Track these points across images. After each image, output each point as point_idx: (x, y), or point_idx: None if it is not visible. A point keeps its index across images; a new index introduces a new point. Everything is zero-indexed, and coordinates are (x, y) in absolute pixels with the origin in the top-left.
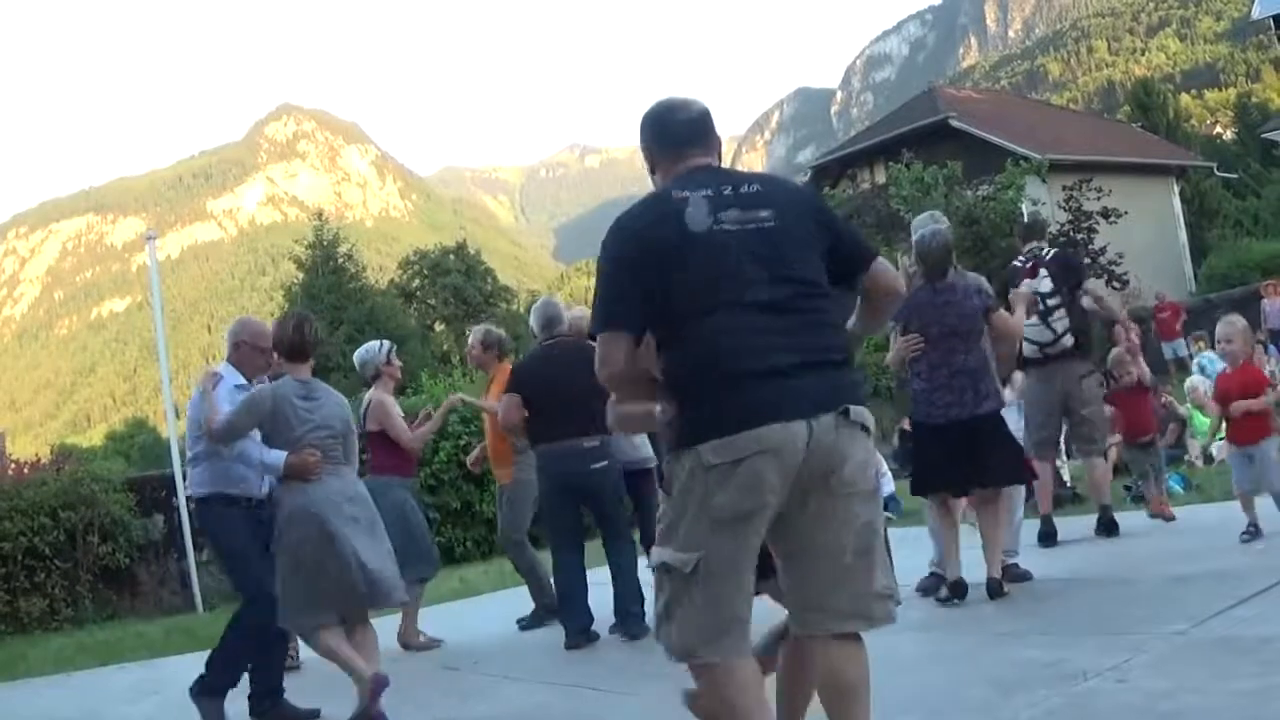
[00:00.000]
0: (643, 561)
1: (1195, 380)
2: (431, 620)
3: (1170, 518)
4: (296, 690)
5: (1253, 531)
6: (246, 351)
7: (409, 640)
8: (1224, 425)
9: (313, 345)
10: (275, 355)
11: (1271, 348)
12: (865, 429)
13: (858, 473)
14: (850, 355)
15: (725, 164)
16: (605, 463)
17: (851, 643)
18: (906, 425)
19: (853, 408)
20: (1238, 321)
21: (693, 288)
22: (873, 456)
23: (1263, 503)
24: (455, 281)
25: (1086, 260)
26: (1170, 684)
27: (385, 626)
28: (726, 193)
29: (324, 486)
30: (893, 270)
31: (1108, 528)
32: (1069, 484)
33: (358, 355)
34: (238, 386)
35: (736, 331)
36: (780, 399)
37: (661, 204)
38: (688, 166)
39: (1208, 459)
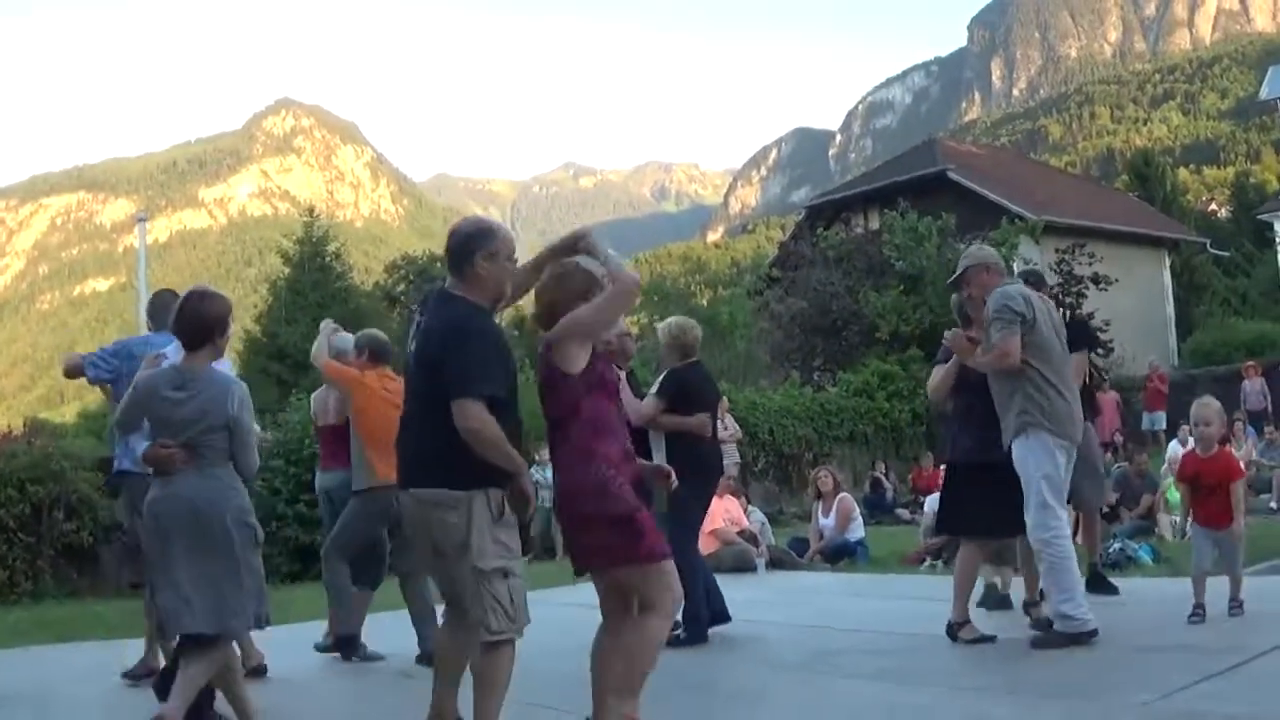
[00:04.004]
0: None
1: (1176, 450)
2: (387, 626)
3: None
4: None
5: (1200, 614)
6: None
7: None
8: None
9: (205, 330)
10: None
11: (1250, 429)
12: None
13: None
14: None
15: (719, 199)
16: None
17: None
18: (878, 472)
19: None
20: (1214, 404)
21: None
22: None
23: (1214, 584)
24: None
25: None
26: None
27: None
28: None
29: (181, 484)
30: None
31: (1098, 583)
32: None
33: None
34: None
35: None
36: None
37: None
38: None
39: (1182, 533)
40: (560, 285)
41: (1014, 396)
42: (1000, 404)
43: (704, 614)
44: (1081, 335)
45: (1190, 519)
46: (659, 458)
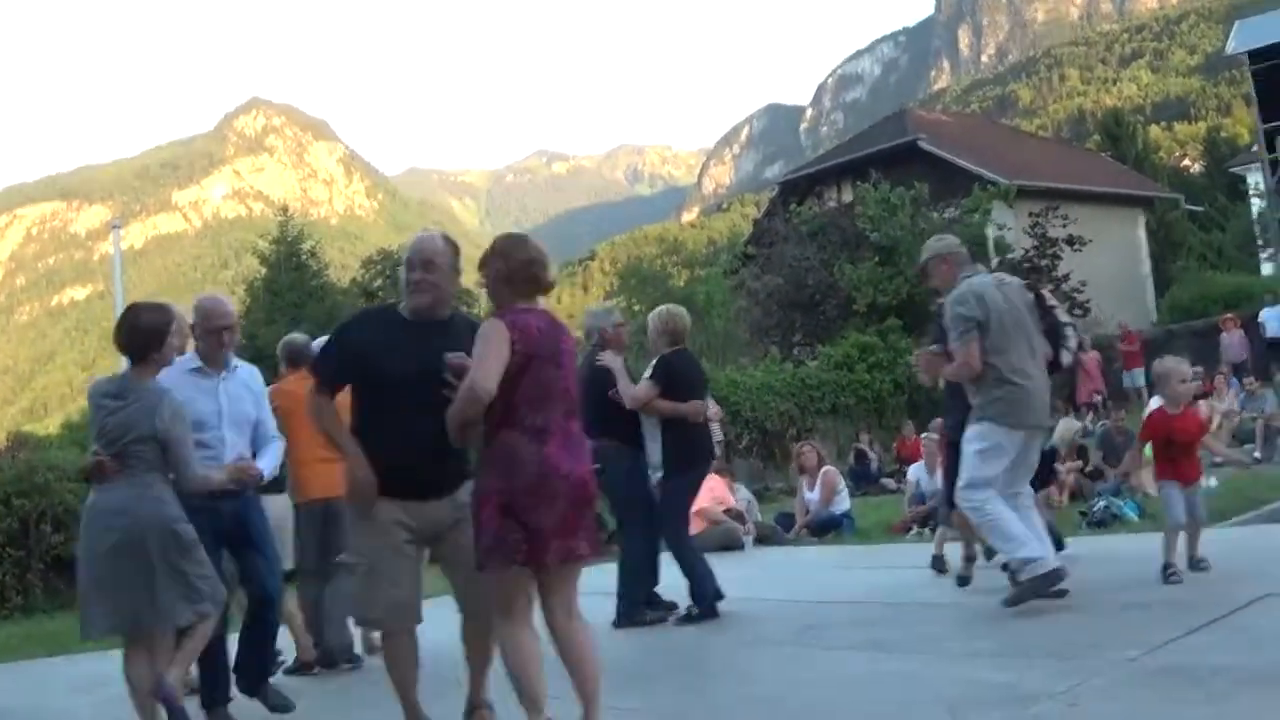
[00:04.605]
0: None
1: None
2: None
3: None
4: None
5: (1177, 572)
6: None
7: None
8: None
9: (142, 342)
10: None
11: (1234, 380)
12: None
13: None
14: None
15: (693, 179)
16: (599, 465)
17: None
18: (861, 443)
19: None
20: (1184, 362)
21: None
22: None
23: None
24: None
25: (1050, 287)
26: (1121, 710)
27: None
28: None
29: (112, 492)
30: None
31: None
32: None
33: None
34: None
35: None
36: None
37: None
38: None
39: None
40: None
41: (976, 392)
42: (969, 395)
43: (710, 589)
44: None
45: (1158, 476)
46: (653, 444)
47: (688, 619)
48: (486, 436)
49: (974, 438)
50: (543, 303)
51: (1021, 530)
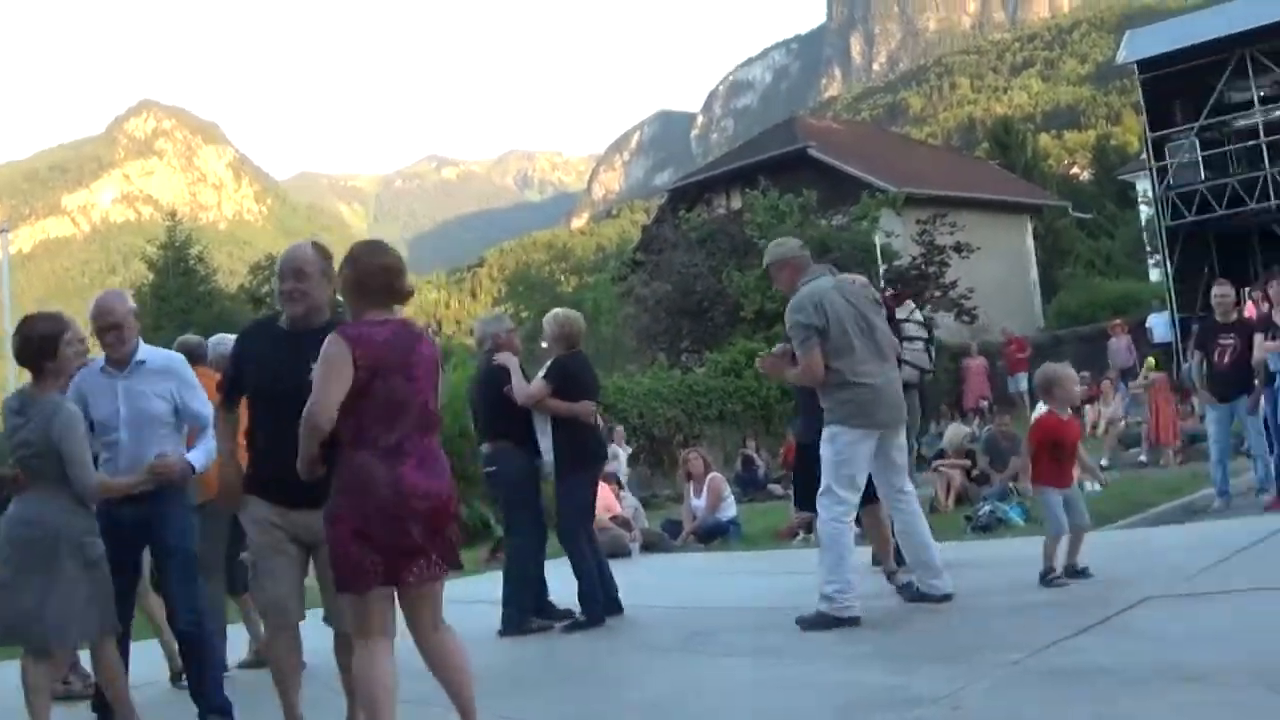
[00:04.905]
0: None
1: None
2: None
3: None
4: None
5: (1061, 576)
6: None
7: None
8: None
9: (32, 353)
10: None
11: (1121, 385)
12: None
13: None
14: None
15: (583, 185)
16: (492, 467)
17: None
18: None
19: None
20: (1069, 368)
21: None
22: None
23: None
24: None
25: (937, 293)
26: (1005, 711)
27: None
28: None
29: (24, 505)
30: None
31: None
32: None
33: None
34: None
35: None
36: None
37: None
38: None
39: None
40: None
41: (823, 396)
42: (820, 399)
43: (599, 594)
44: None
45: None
46: (545, 442)
47: (575, 626)
48: (338, 456)
49: (827, 441)
50: (400, 312)
51: (846, 568)
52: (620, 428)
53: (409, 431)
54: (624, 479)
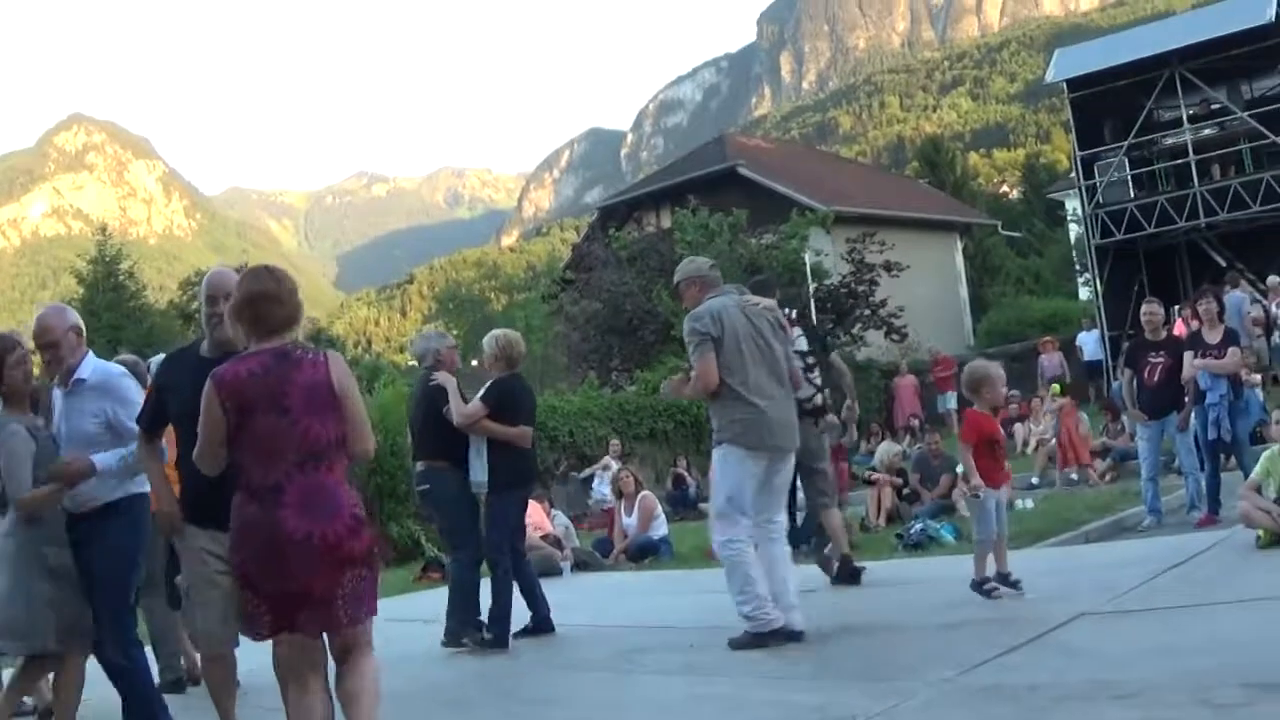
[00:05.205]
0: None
1: None
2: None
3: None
4: None
5: (998, 585)
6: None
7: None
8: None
9: None
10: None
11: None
12: None
13: None
14: None
15: (513, 203)
16: (426, 486)
17: None
18: (679, 468)
19: None
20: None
21: None
22: None
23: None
24: None
25: (867, 312)
26: None
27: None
28: None
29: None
30: None
31: (851, 576)
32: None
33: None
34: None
35: None
36: None
37: None
38: None
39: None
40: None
41: (714, 411)
42: (712, 418)
43: (509, 616)
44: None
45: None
46: (479, 463)
47: (482, 644)
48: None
49: (716, 461)
50: (290, 337)
51: (752, 583)
52: (616, 441)
53: (289, 469)
54: (607, 493)
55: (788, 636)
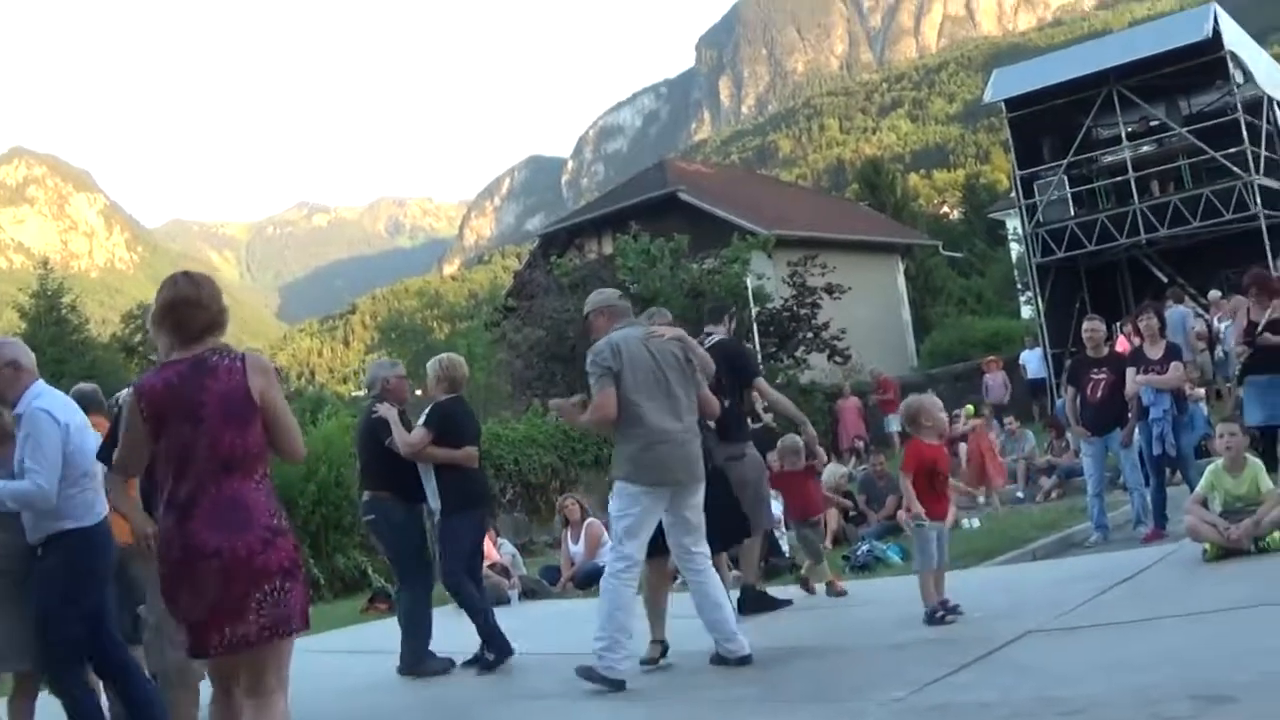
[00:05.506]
0: None
1: None
2: None
3: (841, 592)
4: None
5: (948, 611)
6: None
7: None
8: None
9: None
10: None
11: (995, 421)
12: None
13: None
14: None
15: (455, 231)
16: (372, 516)
17: None
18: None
19: None
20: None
21: None
22: None
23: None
24: None
25: (809, 335)
26: None
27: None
28: None
29: None
30: None
31: (754, 604)
32: (788, 554)
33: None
34: None
35: None
36: None
37: None
38: None
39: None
40: None
41: (616, 447)
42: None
43: (497, 626)
44: (737, 365)
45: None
46: (430, 488)
47: (486, 666)
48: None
49: (613, 496)
50: (213, 343)
51: (618, 628)
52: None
53: (201, 481)
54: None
55: (741, 661)
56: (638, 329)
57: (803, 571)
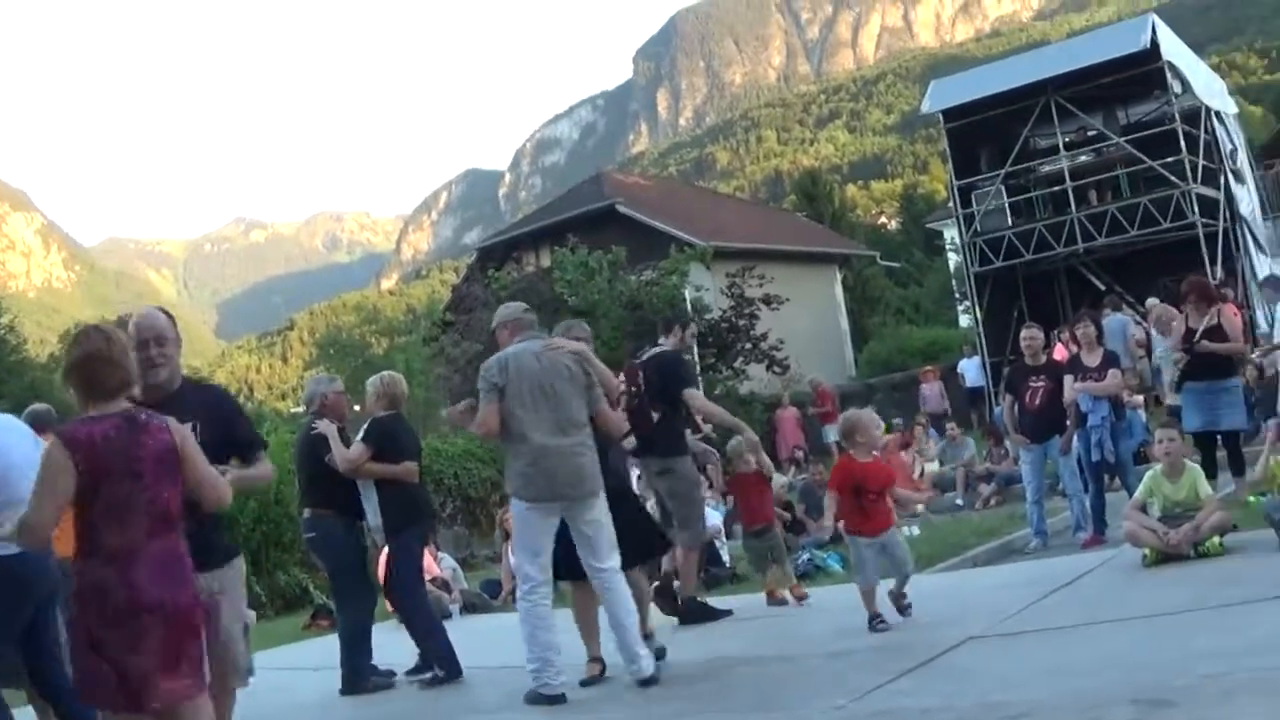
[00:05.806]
0: None
1: None
2: None
3: (803, 596)
4: None
5: (883, 621)
6: None
7: None
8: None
9: None
10: None
11: (932, 430)
12: None
13: None
14: None
15: (392, 246)
16: (313, 534)
17: None
18: None
19: None
20: (868, 412)
21: None
22: None
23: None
24: None
25: (748, 345)
26: None
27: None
28: None
29: None
30: None
31: (695, 614)
32: (729, 564)
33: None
34: None
35: None
36: None
37: None
38: None
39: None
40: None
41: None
42: None
43: (449, 643)
44: (668, 377)
45: (848, 529)
46: (370, 505)
47: (434, 681)
48: (73, 566)
49: (515, 520)
50: (126, 402)
51: (543, 646)
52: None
53: (142, 535)
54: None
55: (644, 683)
56: (536, 342)
57: (767, 584)
